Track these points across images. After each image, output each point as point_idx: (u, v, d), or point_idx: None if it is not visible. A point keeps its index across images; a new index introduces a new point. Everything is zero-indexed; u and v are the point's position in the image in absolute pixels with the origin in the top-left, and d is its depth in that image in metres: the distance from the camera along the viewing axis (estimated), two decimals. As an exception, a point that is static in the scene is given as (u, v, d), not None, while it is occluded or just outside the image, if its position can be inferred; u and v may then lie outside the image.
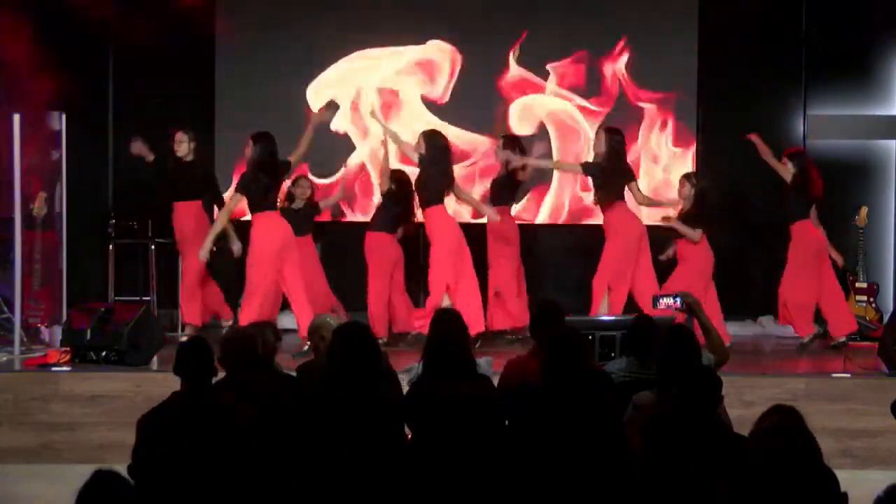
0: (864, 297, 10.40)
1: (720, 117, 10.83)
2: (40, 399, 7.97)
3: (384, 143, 9.60)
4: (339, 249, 10.38)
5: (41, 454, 7.90)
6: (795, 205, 9.48)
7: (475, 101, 10.93)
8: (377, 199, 10.01)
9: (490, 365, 6.68)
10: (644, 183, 10.25)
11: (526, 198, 10.80)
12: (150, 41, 10.42)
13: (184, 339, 8.02)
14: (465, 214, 10.57)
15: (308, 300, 8.96)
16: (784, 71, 10.95)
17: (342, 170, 10.88)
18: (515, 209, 10.25)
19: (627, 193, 9.38)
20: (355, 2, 11.01)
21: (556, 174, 10.88)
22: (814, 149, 10.89)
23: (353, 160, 11.03)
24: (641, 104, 10.90)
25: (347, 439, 4.71)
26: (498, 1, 10.97)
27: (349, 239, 10.16)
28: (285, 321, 9.63)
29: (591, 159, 9.64)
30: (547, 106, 10.95)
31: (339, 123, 10.80)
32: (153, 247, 10.63)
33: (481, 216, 9.86)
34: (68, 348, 8.54)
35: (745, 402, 7.35)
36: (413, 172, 9.46)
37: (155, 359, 8.56)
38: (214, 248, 9.28)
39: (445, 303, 8.93)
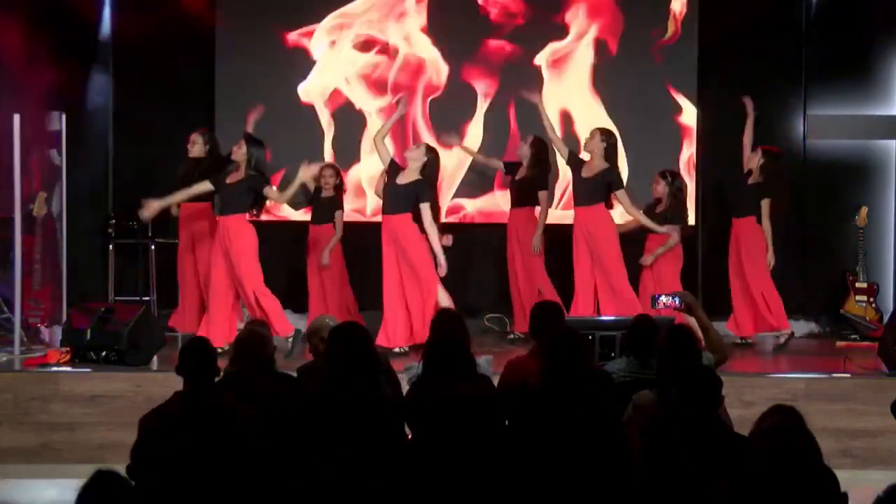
0: (864, 297, 10.40)
1: (720, 117, 10.83)
2: (40, 399, 7.97)
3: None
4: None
5: (41, 454, 7.90)
6: (753, 199, 9.53)
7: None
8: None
9: (490, 365, 6.67)
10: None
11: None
12: (150, 41, 10.42)
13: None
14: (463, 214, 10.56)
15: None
16: (784, 71, 10.94)
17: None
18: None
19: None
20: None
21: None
22: (814, 149, 10.90)
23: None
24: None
25: (347, 439, 4.71)
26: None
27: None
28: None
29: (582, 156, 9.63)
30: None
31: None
32: (153, 247, 10.62)
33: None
34: (68, 348, 8.54)
35: (745, 402, 7.35)
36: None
37: (155, 359, 8.56)
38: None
39: (445, 303, 8.92)
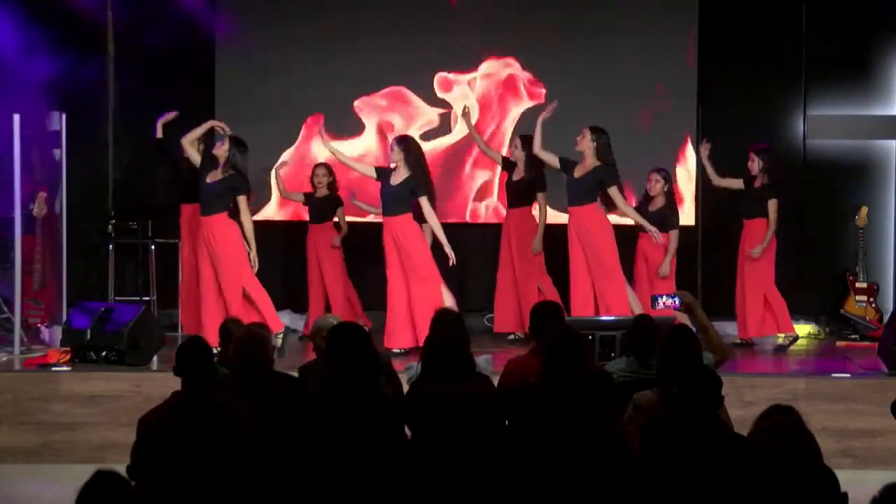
0: (864, 297, 10.40)
1: (720, 117, 10.83)
2: (40, 399, 7.98)
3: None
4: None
5: (41, 454, 7.90)
6: (758, 201, 9.54)
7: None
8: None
9: (490, 364, 6.68)
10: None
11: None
12: (151, 41, 10.42)
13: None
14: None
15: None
16: (784, 71, 10.94)
17: None
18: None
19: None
20: (357, 1, 11.00)
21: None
22: (814, 149, 10.90)
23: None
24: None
25: (347, 439, 4.71)
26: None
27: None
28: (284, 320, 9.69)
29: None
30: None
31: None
32: (153, 247, 10.62)
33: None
34: (68, 348, 8.54)
35: (745, 402, 7.36)
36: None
37: (155, 359, 8.56)
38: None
39: (449, 303, 8.93)
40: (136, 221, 10.73)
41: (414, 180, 9.09)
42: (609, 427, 4.56)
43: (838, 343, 10.03)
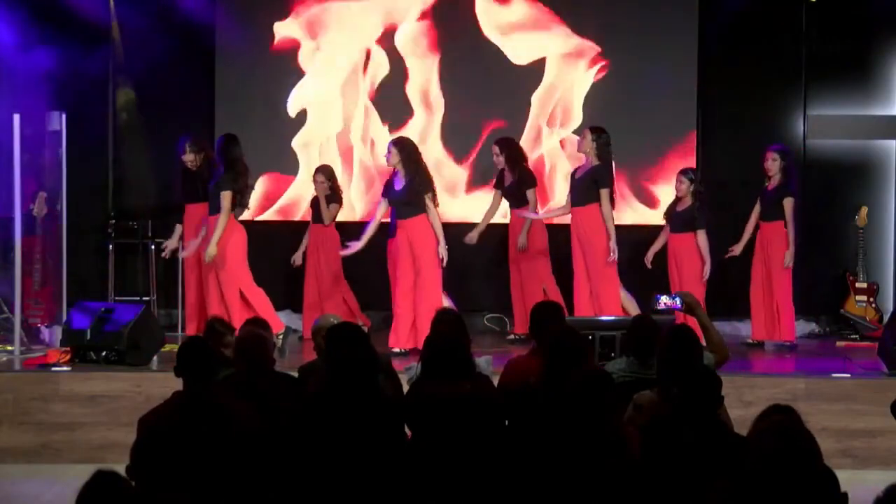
0: (864, 297, 10.39)
1: (720, 117, 10.83)
2: (40, 399, 7.98)
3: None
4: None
5: (41, 454, 7.90)
6: (776, 203, 9.53)
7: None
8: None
9: (490, 365, 6.67)
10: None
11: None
12: (151, 41, 10.42)
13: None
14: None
15: None
16: (784, 71, 10.94)
17: None
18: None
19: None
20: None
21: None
22: (814, 149, 10.90)
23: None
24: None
25: (347, 439, 4.71)
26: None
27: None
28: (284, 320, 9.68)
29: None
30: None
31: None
32: (153, 247, 10.63)
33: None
34: (68, 348, 8.54)
35: (745, 402, 7.36)
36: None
37: (155, 359, 8.56)
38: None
39: (445, 303, 8.93)
40: (136, 221, 10.74)
41: (415, 182, 9.09)
42: (609, 427, 4.56)
43: (838, 343, 10.02)
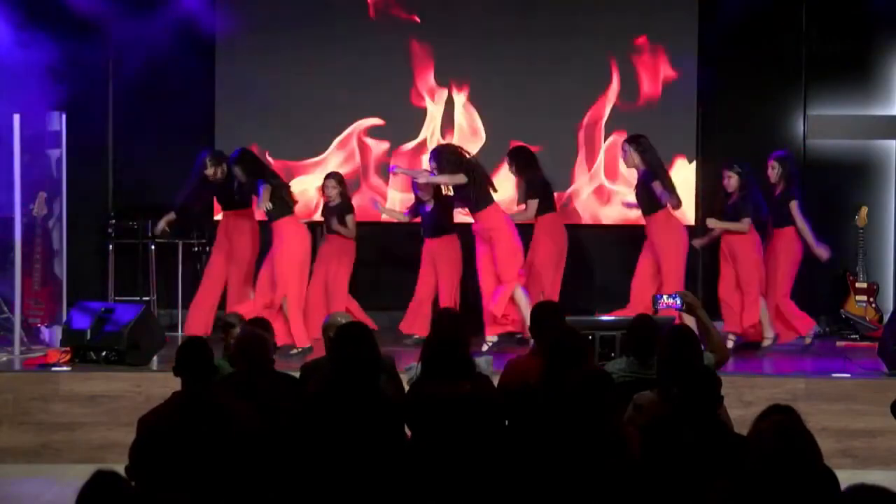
0: (864, 297, 10.39)
1: (720, 117, 10.83)
2: (40, 399, 7.98)
3: None
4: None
5: (41, 454, 7.90)
6: (783, 207, 9.52)
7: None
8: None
9: (490, 365, 6.67)
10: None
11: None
12: (151, 41, 10.42)
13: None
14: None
15: None
16: (784, 71, 10.94)
17: None
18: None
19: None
20: (357, 1, 10.99)
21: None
22: (814, 149, 10.90)
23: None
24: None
25: (347, 439, 4.70)
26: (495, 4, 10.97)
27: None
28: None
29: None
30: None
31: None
32: (153, 247, 10.63)
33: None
34: (68, 348, 8.54)
35: (745, 402, 7.36)
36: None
37: (155, 359, 8.57)
38: None
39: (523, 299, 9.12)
40: (136, 221, 10.73)
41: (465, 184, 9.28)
42: (609, 427, 4.56)
43: (838, 343, 10.02)
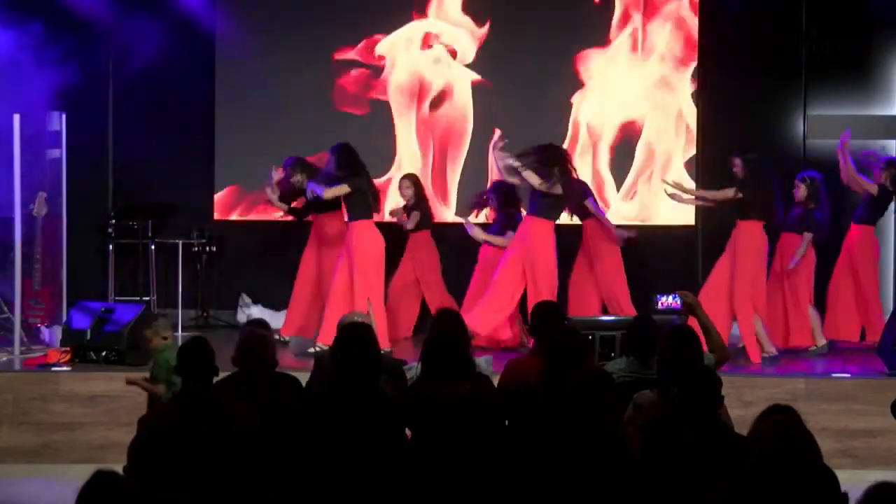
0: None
1: (720, 117, 10.83)
2: (40, 399, 7.98)
3: None
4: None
5: (41, 454, 7.90)
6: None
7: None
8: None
9: (490, 365, 6.69)
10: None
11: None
12: (151, 41, 10.42)
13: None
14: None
15: None
16: (784, 71, 10.95)
17: None
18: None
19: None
20: (357, 2, 11.00)
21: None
22: (814, 149, 10.89)
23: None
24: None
25: (347, 439, 4.70)
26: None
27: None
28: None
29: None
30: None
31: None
32: (153, 247, 10.63)
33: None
34: (68, 348, 8.54)
35: (745, 402, 7.36)
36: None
37: (155, 359, 8.55)
38: None
39: None
40: (136, 221, 10.73)
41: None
42: (609, 427, 4.56)
43: (838, 343, 10.00)
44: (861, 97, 10.89)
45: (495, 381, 5.67)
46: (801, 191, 9.49)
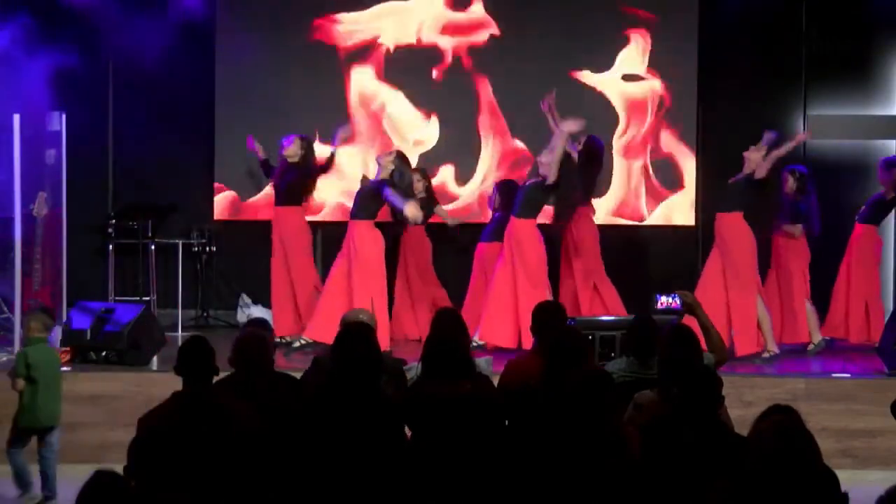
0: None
1: (720, 117, 10.84)
2: (40, 399, 7.96)
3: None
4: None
5: (41, 454, 7.88)
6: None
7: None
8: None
9: (490, 365, 6.68)
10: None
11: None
12: (151, 41, 10.42)
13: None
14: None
15: None
16: (784, 71, 10.95)
17: None
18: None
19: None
20: (357, 2, 11.00)
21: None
22: (814, 149, 10.90)
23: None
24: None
25: (347, 439, 4.70)
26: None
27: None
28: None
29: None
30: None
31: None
32: (153, 247, 10.63)
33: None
34: (68, 348, 8.54)
35: (745, 402, 7.36)
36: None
37: (155, 359, 8.57)
38: None
39: None
40: (136, 221, 10.74)
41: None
42: (609, 427, 4.56)
43: (839, 343, 10.01)
44: (861, 97, 10.89)
45: (495, 382, 5.68)
46: (789, 183, 9.51)
